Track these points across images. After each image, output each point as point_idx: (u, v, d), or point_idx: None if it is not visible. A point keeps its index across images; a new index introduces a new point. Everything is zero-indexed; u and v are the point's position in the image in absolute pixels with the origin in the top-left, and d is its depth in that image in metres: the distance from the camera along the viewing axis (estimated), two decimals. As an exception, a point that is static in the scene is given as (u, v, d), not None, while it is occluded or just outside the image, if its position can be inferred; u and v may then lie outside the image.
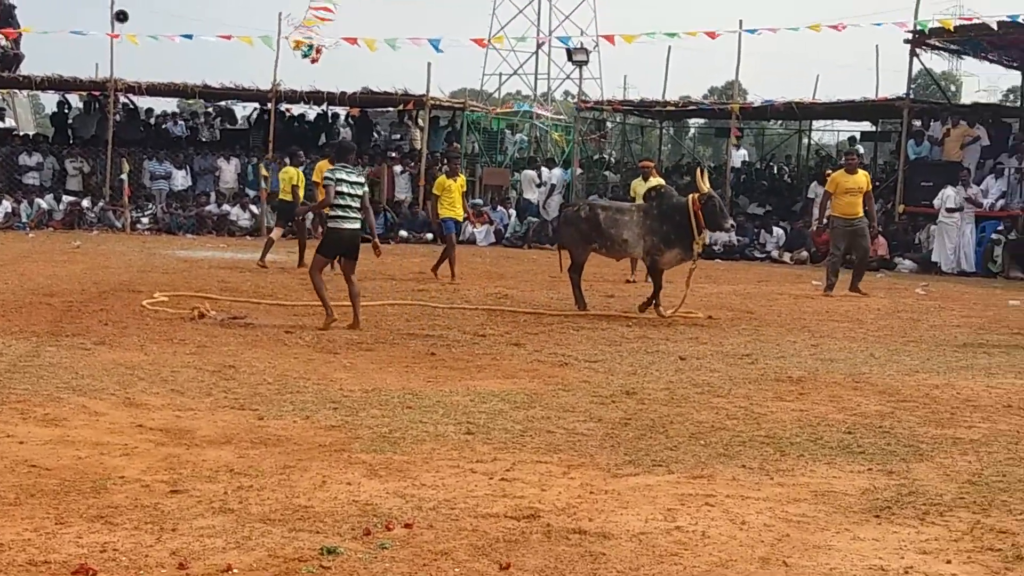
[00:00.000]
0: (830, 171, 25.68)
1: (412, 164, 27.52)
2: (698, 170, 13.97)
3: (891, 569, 4.30)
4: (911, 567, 4.33)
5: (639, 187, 17.02)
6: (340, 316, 10.64)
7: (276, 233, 17.62)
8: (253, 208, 25.97)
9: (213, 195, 26.98)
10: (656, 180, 17.00)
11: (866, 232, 16.01)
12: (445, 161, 19.79)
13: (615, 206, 13.26)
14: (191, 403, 7.01)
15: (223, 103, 31.41)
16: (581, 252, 12.77)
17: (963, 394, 8.20)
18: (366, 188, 11.18)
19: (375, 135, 30.85)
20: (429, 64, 27.09)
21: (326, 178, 10.99)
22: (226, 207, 26.39)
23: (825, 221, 16.59)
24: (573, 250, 12.88)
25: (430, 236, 25.23)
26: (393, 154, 28.23)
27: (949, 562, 4.42)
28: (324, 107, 29.82)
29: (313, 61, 26.39)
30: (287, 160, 19.72)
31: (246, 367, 8.32)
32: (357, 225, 10.89)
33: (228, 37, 27.79)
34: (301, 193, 17.50)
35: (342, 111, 30.69)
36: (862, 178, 15.95)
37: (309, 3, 26.59)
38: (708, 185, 12.65)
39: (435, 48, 26.26)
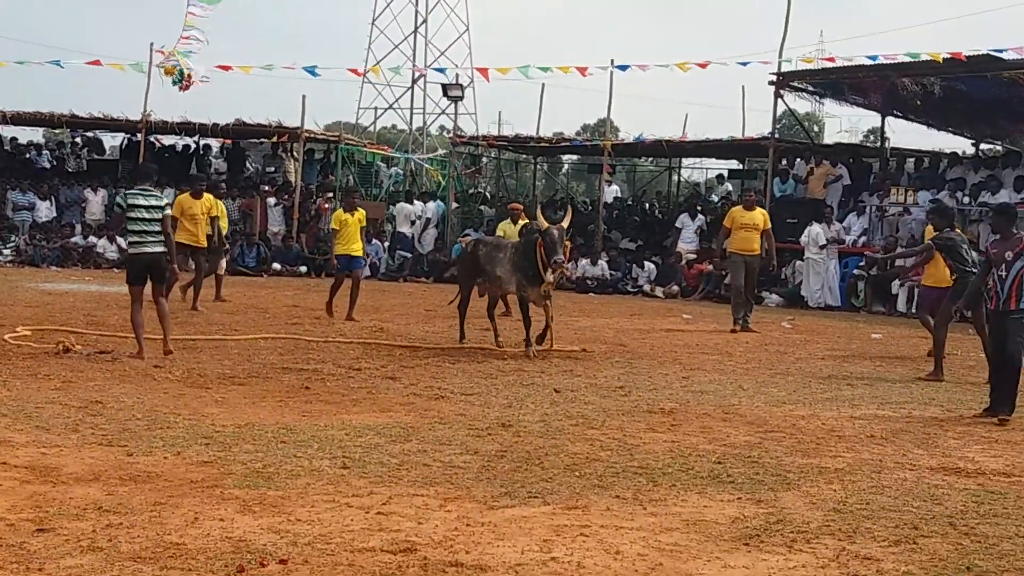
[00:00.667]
0: (699, 206, 26.43)
1: (286, 197, 27.28)
2: (539, 207, 14.01)
3: (761, 595, 4.41)
4: (780, 593, 4.45)
5: (508, 228, 16.95)
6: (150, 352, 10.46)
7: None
8: (120, 240, 25.41)
9: (79, 227, 26.32)
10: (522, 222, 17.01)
11: (756, 269, 16.20)
12: (335, 194, 19.17)
13: (494, 242, 13.34)
14: (57, 440, 6.82)
15: (91, 133, 30.72)
16: (467, 286, 13.03)
17: (828, 425, 8.44)
18: (167, 211, 10.97)
19: (248, 167, 30.50)
20: (304, 96, 26.99)
21: (117, 204, 10.86)
22: (93, 239, 25.76)
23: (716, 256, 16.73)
24: (461, 284, 13.20)
25: (303, 269, 25.04)
26: (266, 187, 27.94)
27: (816, 588, 4.55)
28: (196, 138, 29.39)
29: (183, 88, 25.91)
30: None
31: (114, 402, 8.13)
32: (159, 248, 10.79)
33: (98, 63, 27.21)
34: (224, 224, 17.19)
35: (215, 142, 30.29)
36: (759, 215, 16.05)
37: (181, 33, 26.19)
38: (568, 218, 12.67)
39: (311, 74, 26.14)
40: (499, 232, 17.44)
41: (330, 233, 16.35)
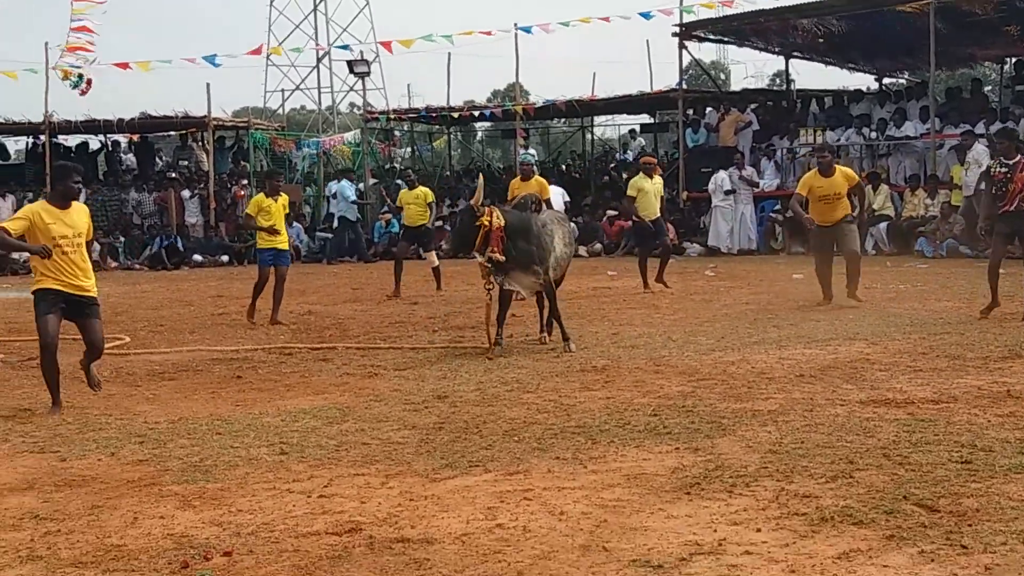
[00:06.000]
0: (614, 164, 26.51)
1: (201, 187, 26.94)
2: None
3: (705, 543, 4.46)
4: (724, 539, 4.50)
5: (644, 184, 15.21)
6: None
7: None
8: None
9: (-11, 234, 25.73)
10: (659, 179, 15.64)
11: (850, 232, 12.95)
12: (250, 180, 17.82)
13: (547, 216, 10.94)
14: (-14, 452, 6.69)
15: (-7, 138, 30.03)
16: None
17: (758, 368, 8.56)
18: None
19: (159, 160, 30.05)
20: (208, 84, 26.55)
21: None
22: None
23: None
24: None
25: (225, 258, 24.83)
26: (174, 173, 27.53)
27: (759, 530, 4.62)
28: (102, 136, 28.87)
29: (83, 93, 25.45)
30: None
31: (43, 409, 7.99)
32: None
33: (-12, 68, 26.55)
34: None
35: (123, 139, 29.79)
36: (840, 179, 12.90)
37: (69, 25, 25.64)
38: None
39: (211, 64, 25.76)
40: (631, 191, 15.45)
41: (245, 219, 14.62)
